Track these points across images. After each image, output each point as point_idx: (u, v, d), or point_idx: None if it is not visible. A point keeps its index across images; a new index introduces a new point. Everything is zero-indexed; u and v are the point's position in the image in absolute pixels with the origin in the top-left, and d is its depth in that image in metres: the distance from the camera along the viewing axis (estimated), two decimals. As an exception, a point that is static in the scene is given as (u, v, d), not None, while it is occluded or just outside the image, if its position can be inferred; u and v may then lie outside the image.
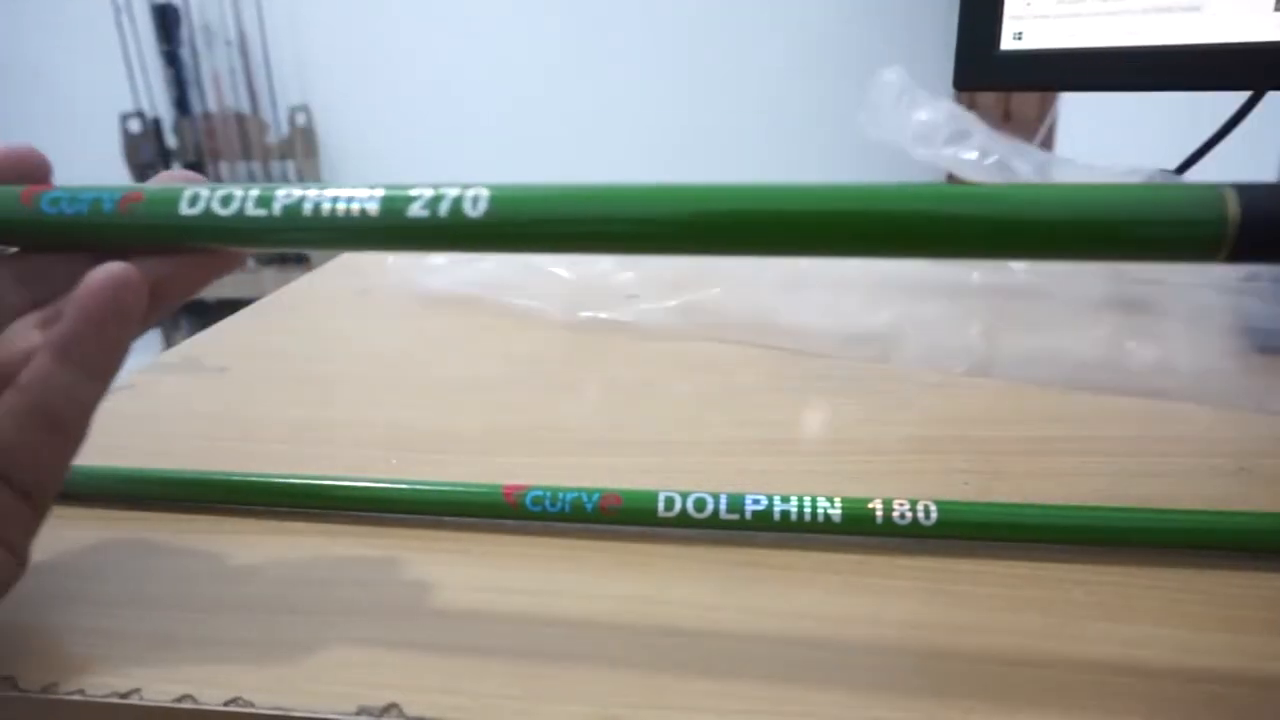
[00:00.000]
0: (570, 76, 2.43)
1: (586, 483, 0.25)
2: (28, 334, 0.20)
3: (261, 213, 0.20)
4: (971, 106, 0.51)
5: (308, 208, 0.20)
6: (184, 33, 2.41)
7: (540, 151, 2.48)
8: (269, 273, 2.46)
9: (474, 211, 0.19)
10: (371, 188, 0.20)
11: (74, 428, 0.20)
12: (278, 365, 0.39)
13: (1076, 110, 1.38)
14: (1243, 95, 0.45)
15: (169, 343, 2.59)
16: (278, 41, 2.42)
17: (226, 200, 0.20)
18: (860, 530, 0.24)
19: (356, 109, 2.50)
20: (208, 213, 0.20)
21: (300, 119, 2.43)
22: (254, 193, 0.20)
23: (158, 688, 0.19)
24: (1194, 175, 0.44)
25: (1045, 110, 1.49)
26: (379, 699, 0.19)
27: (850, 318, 0.38)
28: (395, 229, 0.19)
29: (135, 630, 0.21)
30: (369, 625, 0.21)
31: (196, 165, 2.48)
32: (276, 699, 0.19)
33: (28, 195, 0.21)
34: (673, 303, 0.41)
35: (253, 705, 0.19)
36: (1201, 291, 0.36)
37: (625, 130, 2.46)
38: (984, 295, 0.38)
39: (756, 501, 0.24)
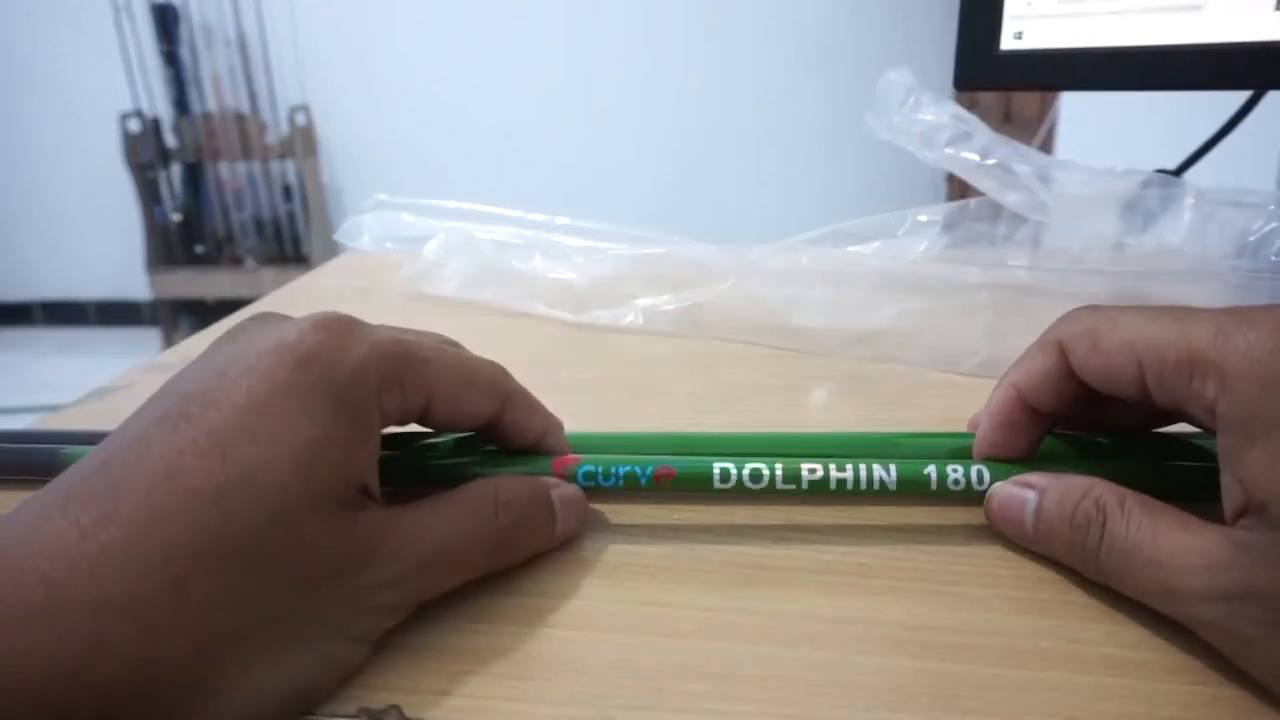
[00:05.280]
0: (570, 80, 2.43)
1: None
2: None
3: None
4: (972, 106, 0.50)
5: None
6: (183, 32, 2.41)
7: (541, 152, 2.48)
8: (269, 273, 2.46)
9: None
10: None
11: None
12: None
13: (1077, 110, 1.38)
14: (1243, 95, 0.44)
15: (169, 342, 2.58)
16: (277, 41, 2.42)
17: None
18: (915, 494, 0.23)
19: (356, 109, 2.50)
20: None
21: (300, 119, 2.43)
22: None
23: (157, 689, 0.19)
24: (1194, 175, 0.44)
25: (1046, 110, 1.49)
26: (380, 700, 0.19)
27: (852, 318, 0.38)
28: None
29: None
30: (369, 626, 0.21)
31: (196, 165, 2.48)
32: (276, 700, 0.19)
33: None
34: (674, 303, 0.41)
35: (252, 707, 0.19)
36: (1206, 287, 0.36)
37: (626, 129, 2.46)
38: (985, 294, 0.38)
39: (812, 471, 0.23)
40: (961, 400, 0.33)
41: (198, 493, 0.17)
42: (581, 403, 0.34)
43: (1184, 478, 0.24)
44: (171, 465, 0.17)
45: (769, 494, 0.24)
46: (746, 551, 0.24)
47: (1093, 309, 0.22)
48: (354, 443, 0.19)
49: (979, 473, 0.23)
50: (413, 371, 0.21)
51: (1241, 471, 0.18)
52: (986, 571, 0.23)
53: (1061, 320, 0.23)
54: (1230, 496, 0.19)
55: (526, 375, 0.38)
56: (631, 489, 0.24)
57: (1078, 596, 0.21)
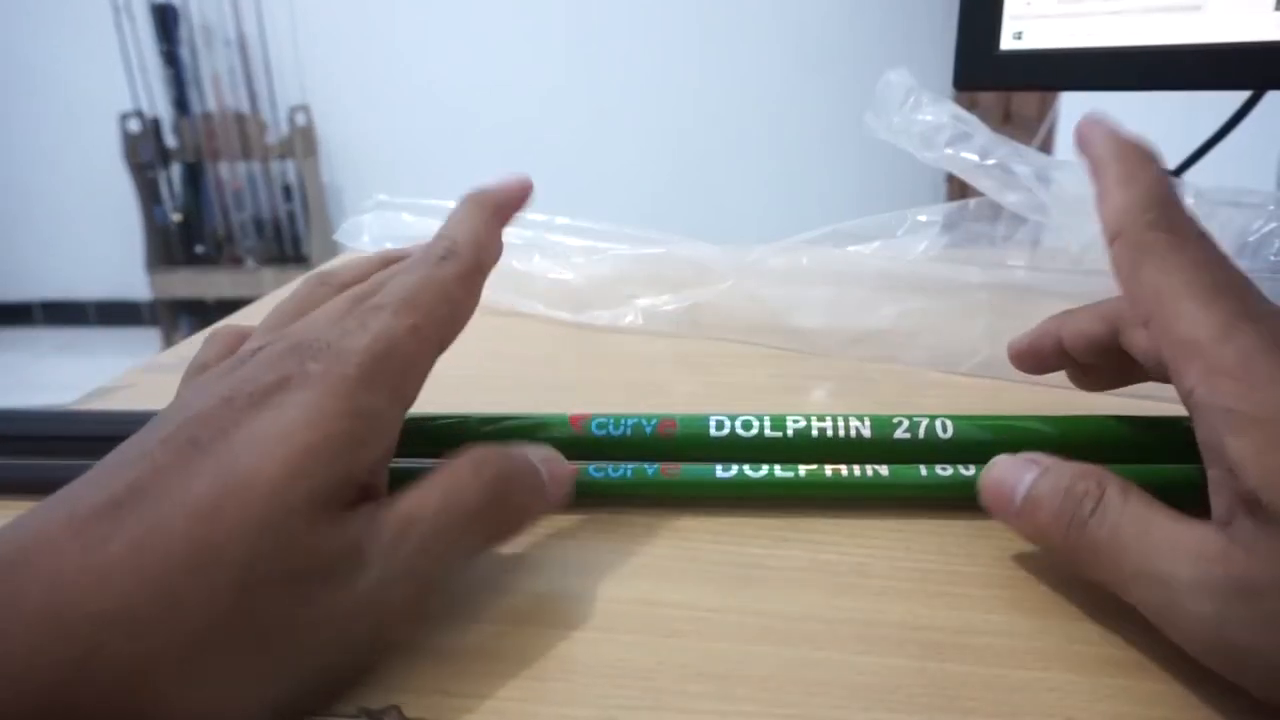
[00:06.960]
0: (570, 80, 2.43)
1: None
2: None
3: (777, 435, 0.26)
4: (972, 106, 0.50)
5: (814, 430, 0.26)
6: (183, 32, 2.41)
7: (541, 152, 2.48)
8: (269, 273, 2.46)
9: (944, 434, 0.25)
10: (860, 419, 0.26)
11: None
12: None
13: (1077, 110, 1.38)
14: (1243, 95, 0.44)
15: (168, 342, 2.58)
16: (277, 41, 2.42)
17: (747, 425, 0.26)
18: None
19: (356, 109, 2.50)
20: (732, 435, 0.26)
21: (300, 119, 2.43)
22: (768, 421, 0.26)
23: (157, 689, 0.19)
24: (1194, 175, 0.44)
25: (1045, 110, 1.49)
26: (380, 701, 0.19)
27: (852, 318, 0.38)
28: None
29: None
30: (369, 626, 0.21)
31: (196, 165, 2.48)
32: (276, 700, 0.19)
33: (576, 421, 0.26)
34: (674, 303, 0.41)
35: (252, 707, 0.19)
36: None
37: (626, 129, 2.46)
38: (985, 294, 0.38)
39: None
40: (961, 400, 0.33)
41: (195, 509, 0.17)
42: (581, 403, 0.34)
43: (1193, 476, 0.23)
44: (172, 485, 0.17)
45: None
46: (746, 552, 0.24)
47: None
48: (359, 444, 0.19)
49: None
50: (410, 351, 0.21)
51: (1230, 461, 0.18)
52: (986, 571, 0.23)
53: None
54: (1219, 494, 0.18)
55: (526, 375, 0.38)
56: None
57: (1076, 597, 0.21)
